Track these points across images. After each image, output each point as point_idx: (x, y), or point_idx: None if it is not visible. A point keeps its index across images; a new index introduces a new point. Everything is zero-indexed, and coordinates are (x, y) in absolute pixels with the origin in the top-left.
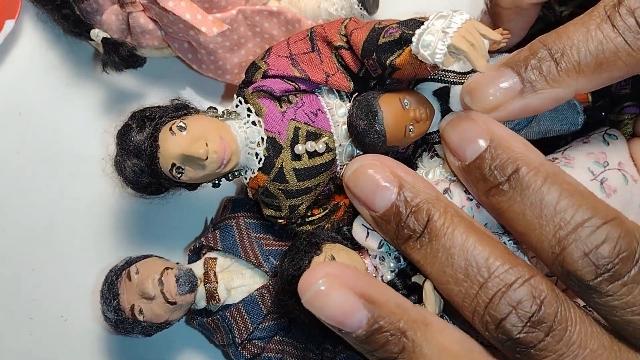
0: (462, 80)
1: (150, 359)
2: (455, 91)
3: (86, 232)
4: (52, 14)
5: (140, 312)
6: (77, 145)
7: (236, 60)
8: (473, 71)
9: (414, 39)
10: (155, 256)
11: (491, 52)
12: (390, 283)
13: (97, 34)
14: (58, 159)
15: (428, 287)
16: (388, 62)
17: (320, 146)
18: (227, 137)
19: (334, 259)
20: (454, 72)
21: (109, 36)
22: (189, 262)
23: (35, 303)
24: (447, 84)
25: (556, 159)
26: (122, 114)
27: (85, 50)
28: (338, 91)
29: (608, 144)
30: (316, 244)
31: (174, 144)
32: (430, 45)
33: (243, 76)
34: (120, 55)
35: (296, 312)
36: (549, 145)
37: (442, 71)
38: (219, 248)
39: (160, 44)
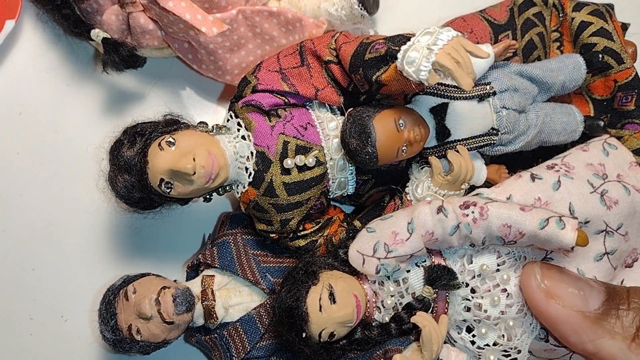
0: (462, 96)
1: None
2: (454, 108)
3: (86, 232)
4: (53, 14)
5: (138, 332)
6: (78, 145)
7: (236, 61)
8: (478, 84)
9: (399, 55)
10: (153, 274)
11: (498, 61)
12: (384, 327)
13: (97, 34)
14: (58, 159)
15: (426, 335)
16: (374, 77)
17: (310, 160)
18: (216, 151)
19: (332, 287)
20: (454, 87)
21: (109, 36)
22: (187, 279)
23: (35, 303)
24: (446, 100)
25: (556, 164)
26: (122, 115)
27: (86, 51)
28: (329, 104)
29: (607, 154)
30: (313, 273)
31: (162, 159)
32: (414, 61)
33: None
34: (120, 55)
35: (296, 345)
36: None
37: (442, 86)
38: (216, 265)
39: (161, 44)
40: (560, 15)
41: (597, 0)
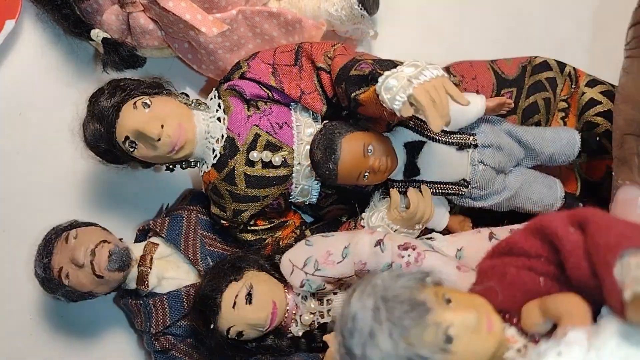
0: (442, 139)
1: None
2: (430, 148)
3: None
4: (53, 14)
5: (67, 276)
6: (77, 145)
7: (236, 61)
8: (462, 132)
9: (380, 79)
10: (100, 227)
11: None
12: (295, 341)
13: (97, 34)
14: (58, 159)
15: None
16: (353, 95)
17: (276, 159)
18: (187, 124)
19: (252, 288)
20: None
21: (109, 36)
22: (135, 242)
23: (35, 303)
24: (423, 138)
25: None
26: None
27: (86, 51)
28: (313, 111)
29: None
30: (239, 269)
31: (132, 118)
32: (392, 89)
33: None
34: (120, 55)
35: (202, 332)
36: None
37: (424, 123)
38: (163, 235)
39: (161, 44)
40: (573, 86)
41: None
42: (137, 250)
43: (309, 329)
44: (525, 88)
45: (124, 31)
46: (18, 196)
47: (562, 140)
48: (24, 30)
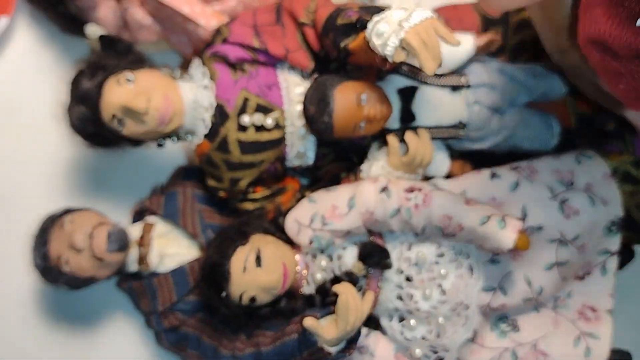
0: (435, 83)
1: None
2: (424, 93)
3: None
4: (47, 11)
5: (67, 262)
6: (74, 143)
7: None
8: (454, 74)
9: (369, 25)
10: (95, 211)
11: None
12: (309, 299)
13: (93, 31)
14: (50, 154)
15: (341, 302)
16: (342, 45)
17: (268, 121)
18: (173, 96)
19: (260, 251)
20: None
21: (105, 33)
22: (133, 223)
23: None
24: (416, 83)
25: (520, 166)
26: None
27: (83, 48)
28: (300, 69)
29: (580, 162)
30: (244, 234)
31: (116, 94)
32: (383, 34)
33: None
34: (117, 51)
35: (215, 302)
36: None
37: (415, 68)
38: (160, 213)
39: (158, 39)
40: None
41: None
42: (135, 231)
43: (322, 283)
44: (511, 27)
45: (120, 27)
46: (16, 196)
47: (554, 75)
48: (18, 27)
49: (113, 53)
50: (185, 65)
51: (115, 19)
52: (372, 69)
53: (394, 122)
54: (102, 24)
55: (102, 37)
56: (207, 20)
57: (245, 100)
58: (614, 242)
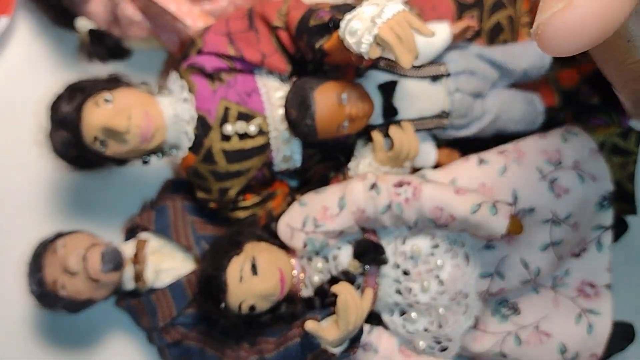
0: (414, 75)
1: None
2: (404, 86)
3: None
4: (39, 3)
5: (63, 287)
6: (57, 166)
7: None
8: (432, 64)
9: (342, 23)
10: (86, 232)
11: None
12: (308, 302)
13: (83, 24)
14: (41, 179)
15: (341, 303)
16: (317, 46)
17: (251, 128)
18: (153, 112)
19: (255, 259)
20: None
21: (95, 27)
22: (126, 241)
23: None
24: (396, 77)
25: (507, 150)
26: None
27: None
28: (278, 73)
29: (566, 140)
30: (237, 243)
31: (96, 116)
32: (356, 32)
33: None
34: (105, 46)
35: (214, 314)
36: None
37: (393, 62)
38: (152, 228)
39: (148, 35)
40: None
41: None
42: (128, 249)
43: (320, 285)
44: (486, 9)
45: (110, 22)
46: (14, 196)
47: (532, 53)
48: (19, 27)
49: (102, 48)
50: (164, 76)
51: (106, 14)
52: (350, 67)
53: (377, 118)
54: (92, 18)
55: (91, 31)
56: (194, 20)
57: (226, 109)
58: (607, 217)
